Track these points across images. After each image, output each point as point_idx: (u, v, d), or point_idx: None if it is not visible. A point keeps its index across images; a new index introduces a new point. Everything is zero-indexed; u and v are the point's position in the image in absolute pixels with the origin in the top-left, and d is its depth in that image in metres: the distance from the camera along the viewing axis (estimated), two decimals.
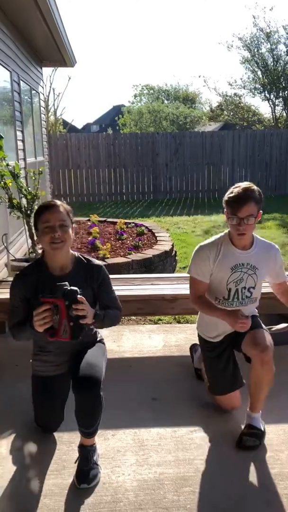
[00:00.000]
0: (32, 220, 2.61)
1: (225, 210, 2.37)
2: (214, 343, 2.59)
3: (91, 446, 2.16)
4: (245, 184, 2.34)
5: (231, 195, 2.32)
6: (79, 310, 1.96)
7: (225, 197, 2.35)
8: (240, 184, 2.36)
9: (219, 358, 2.56)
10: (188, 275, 2.55)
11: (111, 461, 2.24)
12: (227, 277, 2.44)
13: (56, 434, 2.43)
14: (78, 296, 1.97)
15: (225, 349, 2.57)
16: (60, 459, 2.25)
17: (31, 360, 2.36)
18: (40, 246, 2.17)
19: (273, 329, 3.40)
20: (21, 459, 2.26)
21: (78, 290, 1.98)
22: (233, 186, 2.37)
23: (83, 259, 2.26)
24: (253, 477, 2.13)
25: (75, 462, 2.13)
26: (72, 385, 2.12)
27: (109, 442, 2.38)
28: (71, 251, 2.23)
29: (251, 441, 2.31)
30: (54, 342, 2.13)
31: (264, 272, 2.52)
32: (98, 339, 2.41)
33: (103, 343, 2.43)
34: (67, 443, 2.37)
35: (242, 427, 2.42)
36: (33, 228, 2.25)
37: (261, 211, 2.36)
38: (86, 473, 2.06)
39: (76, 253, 2.28)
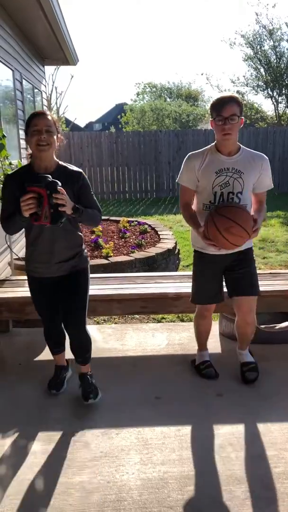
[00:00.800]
0: None
1: (210, 119, 2.57)
2: (207, 255, 2.75)
3: (87, 373, 2.74)
4: (228, 92, 2.62)
5: (215, 98, 2.57)
6: (59, 199, 2.23)
7: (211, 103, 2.59)
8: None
9: (208, 269, 2.81)
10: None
11: (115, 459, 2.24)
12: (212, 181, 2.59)
13: (59, 433, 2.44)
14: (58, 187, 2.23)
15: (215, 267, 2.79)
16: (64, 457, 2.25)
17: (24, 262, 2.67)
18: (29, 152, 2.49)
19: (277, 327, 3.39)
20: (25, 458, 2.26)
21: (58, 182, 2.24)
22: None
23: (65, 165, 2.51)
24: (257, 475, 2.12)
25: (79, 387, 2.71)
26: (63, 324, 2.64)
27: (113, 441, 2.38)
28: (55, 159, 2.48)
29: (253, 375, 2.87)
30: (41, 237, 2.46)
31: (252, 179, 2.61)
32: (83, 267, 2.63)
33: (88, 270, 2.68)
34: (71, 442, 2.37)
35: (245, 427, 2.42)
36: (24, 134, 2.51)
37: (243, 117, 2.55)
38: (90, 392, 2.65)
39: (60, 161, 2.52)
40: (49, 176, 2.27)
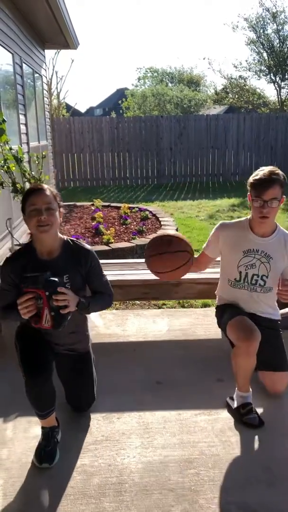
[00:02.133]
0: None
1: (248, 193, 2.43)
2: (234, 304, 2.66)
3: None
4: (270, 168, 2.39)
5: (257, 177, 2.36)
6: (59, 300, 1.99)
7: (250, 179, 2.40)
8: (265, 167, 2.41)
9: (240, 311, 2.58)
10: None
11: (116, 443, 2.26)
12: (238, 260, 2.50)
13: (60, 418, 2.45)
14: (59, 288, 1.99)
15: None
16: (65, 441, 2.27)
17: (16, 329, 2.35)
18: (28, 231, 2.17)
19: None
20: (27, 442, 2.29)
21: (57, 280, 2.00)
22: (259, 169, 2.41)
23: (71, 243, 2.26)
24: (257, 460, 2.15)
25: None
26: (75, 405, 2.46)
27: (114, 425, 2.40)
28: (60, 235, 2.24)
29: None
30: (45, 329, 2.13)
31: (280, 265, 2.49)
32: (86, 350, 2.44)
33: (91, 354, 2.46)
34: (72, 426, 2.39)
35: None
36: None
37: (284, 196, 2.38)
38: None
39: (65, 237, 2.28)
40: (48, 273, 2.02)
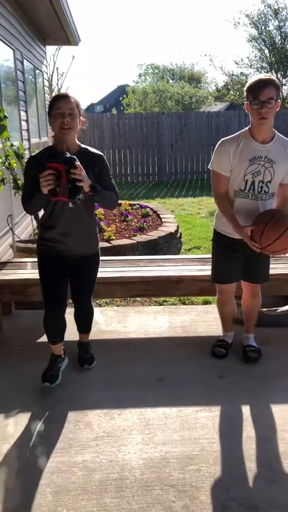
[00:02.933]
0: None
1: (245, 102, 2.50)
2: (230, 238, 2.73)
3: (88, 341, 2.97)
4: (264, 74, 2.57)
5: (252, 80, 2.47)
6: (76, 174, 2.27)
7: (246, 85, 2.49)
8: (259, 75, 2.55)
9: (229, 250, 2.78)
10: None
11: (117, 439, 2.27)
12: (245, 168, 2.55)
13: (61, 414, 2.46)
14: (76, 163, 2.27)
15: (237, 250, 2.75)
16: (66, 437, 2.28)
17: (28, 245, 2.79)
18: (52, 133, 2.51)
19: (279, 310, 3.40)
20: (28, 437, 2.30)
21: (75, 158, 2.28)
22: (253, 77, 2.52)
23: (87, 148, 2.58)
24: (258, 456, 2.15)
25: (77, 355, 2.94)
26: (72, 295, 2.77)
27: (115, 421, 2.40)
28: (78, 142, 2.53)
29: (254, 354, 2.93)
30: (59, 220, 2.51)
31: (282, 169, 2.57)
32: (95, 252, 2.71)
33: (99, 256, 2.76)
34: (74, 422, 2.39)
35: (245, 407, 2.46)
36: (47, 116, 2.52)
37: (279, 100, 2.46)
38: (86, 359, 2.91)
39: (83, 145, 2.57)
40: (67, 153, 2.33)
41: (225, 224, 2.70)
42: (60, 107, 2.37)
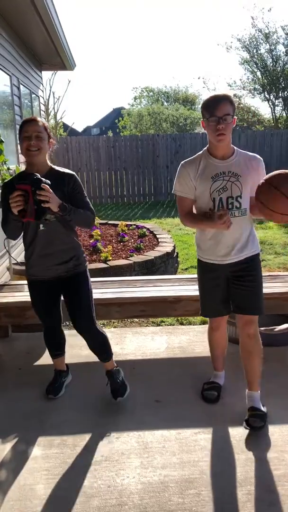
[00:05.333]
0: None
1: (202, 120, 2.46)
2: (206, 263, 2.60)
3: (113, 369, 2.80)
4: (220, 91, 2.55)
5: (207, 98, 2.45)
6: (42, 195, 2.30)
7: (202, 103, 2.47)
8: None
9: (209, 279, 2.63)
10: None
11: (116, 464, 2.24)
12: (209, 187, 2.46)
13: (60, 438, 2.43)
14: (42, 184, 2.31)
15: (221, 277, 2.58)
16: (64, 462, 2.25)
17: (24, 267, 2.72)
18: (22, 158, 2.58)
19: (276, 329, 3.40)
20: (25, 463, 2.26)
21: (42, 180, 2.33)
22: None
23: (58, 168, 2.60)
24: (257, 478, 2.12)
25: (106, 385, 2.77)
26: (74, 325, 2.65)
27: (113, 445, 2.37)
28: (49, 163, 2.58)
29: (257, 422, 2.46)
30: (37, 240, 2.54)
31: (249, 181, 2.47)
32: (81, 270, 2.67)
33: (87, 273, 2.70)
34: (71, 446, 2.36)
35: (244, 429, 2.43)
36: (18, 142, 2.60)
37: (235, 116, 2.44)
38: (118, 390, 2.73)
39: (54, 166, 2.61)
40: (37, 174, 2.36)
41: (205, 251, 2.59)
42: (27, 130, 2.44)
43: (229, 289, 2.60)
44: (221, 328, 2.76)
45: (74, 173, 2.60)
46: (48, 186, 2.34)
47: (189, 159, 2.57)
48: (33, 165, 2.50)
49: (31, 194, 2.32)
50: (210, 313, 2.74)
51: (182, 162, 2.59)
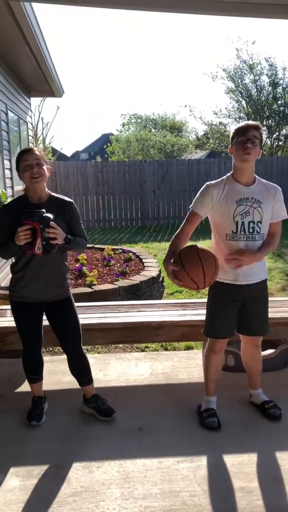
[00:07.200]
0: None
1: (230, 146, 2.66)
2: (232, 286, 2.66)
3: (94, 396, 2.85)
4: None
5: (240, 125, 2.63)
6: (51, 233, 2.43)
7: (234, 130, 2.65)
8: None
9: (224, 299, 2.70)
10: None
11: (96, 494, 2.18)
12: (233, 210, 2.60)
13: (39, 468, 2.37)
14: (51, 222, 2.42)
15: (231, 299, 2.69)
16: (43, 493, 2.19)
17: (8, 292, 2.75)
18: (23, 187, 2.67)
19: (262, 355, 3.38)
20: (3, 495, 2.19)
21: (51, 217, 2.44)
22: None
23: (56, 195, 2.70)
24: (240, 509, 2.08)
25: (92, 409, 2.82)
26: (63, 347, 2.77)
27: (93, 475, 2.32)
28: (47, 190, 2.67)
29: (277, 411, 2.78)
30: (32, 263, 2.58)
31: (268, 208, 2.64)
32: (69, 294, 2.76)
33: (71, 297, 2.77)
34: (51, 476, 2.31)
35: (228, 457, 2.40)
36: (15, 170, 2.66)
37: (261, 150, 2.63)
38: (108, 408, 2.82)
39: (53, 193, 2.71)
40: (43, 210, 2.45)
41: (226, 272, 2.64)
42: (27, 159, 2.54)
43: (238, 312, 2.73)
44: (222, 351, 2.83)
45: (72, 200, 2.70)
46: (55, 223, 2.44)
47: (214, 181, 2.72)
48: (36, 191, 2.59)
49: (39, 230, 2.40)
50: (219, 334, 2.76)
51: (207, 183, 2.72)
